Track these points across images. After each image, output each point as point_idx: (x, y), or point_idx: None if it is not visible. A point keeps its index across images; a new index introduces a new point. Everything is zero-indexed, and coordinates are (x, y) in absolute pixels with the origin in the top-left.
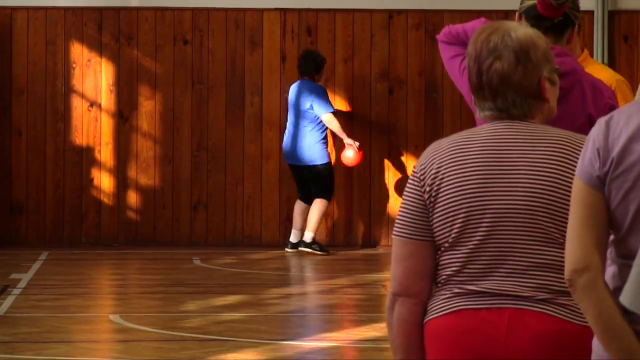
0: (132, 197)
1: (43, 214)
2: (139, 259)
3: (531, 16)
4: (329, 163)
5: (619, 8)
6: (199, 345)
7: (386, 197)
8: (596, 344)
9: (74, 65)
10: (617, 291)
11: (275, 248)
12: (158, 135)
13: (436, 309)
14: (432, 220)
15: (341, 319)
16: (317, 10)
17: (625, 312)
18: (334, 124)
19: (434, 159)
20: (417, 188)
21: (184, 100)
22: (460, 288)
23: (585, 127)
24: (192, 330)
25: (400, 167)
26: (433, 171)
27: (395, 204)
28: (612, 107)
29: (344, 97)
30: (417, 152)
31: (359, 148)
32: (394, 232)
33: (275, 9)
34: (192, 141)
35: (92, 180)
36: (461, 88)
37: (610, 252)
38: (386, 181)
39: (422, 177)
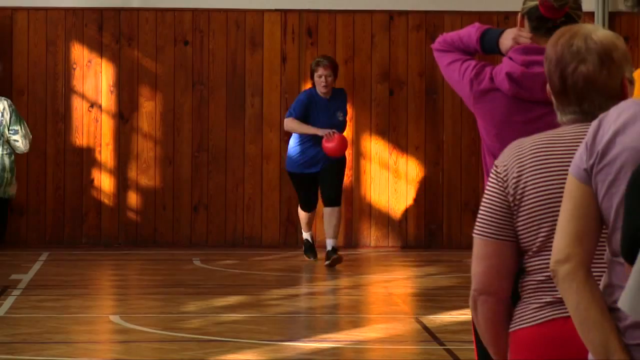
0: (133, 198)
1: (43, 215)
2: (140, 259)
3: (534, 18)
4: (290, 173)
5: (619, 9)
6: (199, 346)
7: (387, 199)
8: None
9: (74, 65)
10: (605, 289)
11: (275, 249)
12: (158, 136)
13: (527, 318)
14: (516, 223)
15: (342, 320)
16: (318, 11)
17: (610, 308)
18: (289, 126)
19: (516, 160)
20: (500, 189)
21: (184, 101)
22: (552, 296)
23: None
24: (192, 331)
25: (400, 168)
26: (515, 173)
27: (395, 205)
28: None
29: None
30: (417, 153)
31: (335, 135)
32: (475, 231)
33: (276, 10)
34: (193, 142)
35: (92, 180)
36: (461, 92)
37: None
38: (386, 182)
39: (504, 178)
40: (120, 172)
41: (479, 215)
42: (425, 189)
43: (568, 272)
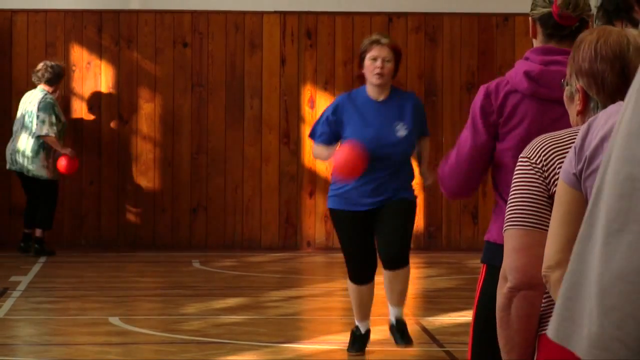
0: (132, 200)
1: None
2: (139, 261)
3: (549, 25)
4: (330, 211)
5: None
6: (199, 348)
7: None
8: None
9: (73, 67)
10: None
11: (274, 251)
12: (158, 138)
13: None
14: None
15: (341, 322)
16: (317, 13)
17: None
18: (316, 155)
19: (556, 150)
20: (539, 179)
21: (183, 103)
22: None
23: None
24: (191, 333)
25: None
26: (556, 165)
27: None
28: None
29: None
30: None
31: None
32: (511, 223)
33: (275, 12)
34: (192, 144)
35: (91, 182)
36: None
37: None
38: None
39: (544, 169)
40: (119, 174)
41: (513, 208)
42: (425, 191)
43: (559, 278)
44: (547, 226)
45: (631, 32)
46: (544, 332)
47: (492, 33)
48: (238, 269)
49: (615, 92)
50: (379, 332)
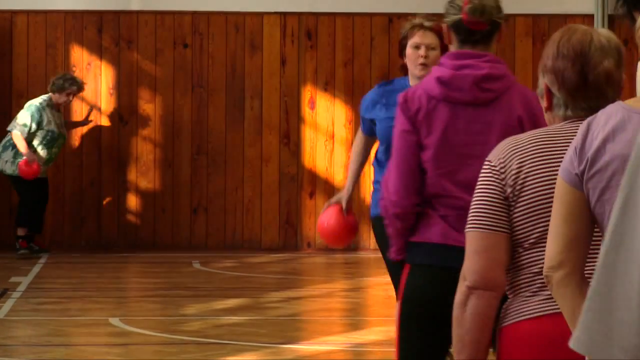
0: (132, 201)
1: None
2: (139, 262)
3: (461, 31)
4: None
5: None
6: (199, 348)
7: None
8: None
9: (74, 68)
10: None
11: (275, 251)
12: (158, 138)
13: (519, 313)
14: (513, 216)
15: (341, 323)
16: (317, 14)
17: None
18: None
19: (515, 153)
20: (498, 181)
21: (184, 104)
22: (547, 289)
23: (516, 129)
24: (192, 334)
25: None
26: (515, 166)
27: None
28: (538, 114)
29: (343, 100)
30: None
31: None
32: (470, 226)
33: (275, 13)
34: (192, 145)
35: (92, 183)
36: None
37: None
38: None
39: (502, 171)
40: (119, 175)
41: (473, 210)
42: None
43: (562, 278)
44: (504, 228)
45: (599, 31)
46: (504, 325)
47: None
48: (238, 270)
49: (575, 89)
50: (379, 333)
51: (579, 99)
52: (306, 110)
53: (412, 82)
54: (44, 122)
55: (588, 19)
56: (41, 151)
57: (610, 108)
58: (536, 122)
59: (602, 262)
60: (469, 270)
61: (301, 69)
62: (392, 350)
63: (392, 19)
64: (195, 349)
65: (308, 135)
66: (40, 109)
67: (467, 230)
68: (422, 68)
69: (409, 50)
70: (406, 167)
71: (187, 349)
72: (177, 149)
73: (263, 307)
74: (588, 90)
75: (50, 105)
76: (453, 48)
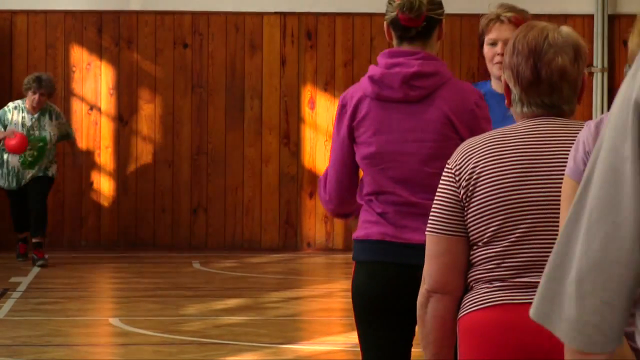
0: (132, 201)
1: None
2: (139, 262)
3: (398, 27)
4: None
5: (618, 12)
6: (199, 348)
7: None
8: None
9: (73, 68)
10: None
11: (274, 252)
12: (158, 138)
13: (474, 303)
14: (467, 217)
15: (341, 323)
16: (317, 14)
17: None
18: None
19: (470, 155)
20: (452, 184)
21: (183, 104)
22: (501, 282)
23: (446, 126)
24: (191, 334)
25: None
26: (470, 167)
27: None
28: (474, 112)
29: None
30: None
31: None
32: (428, 229)
33: (275, 13)
34: (192, 145)
35: (91, 184)
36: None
37: None
38: None
39: (457, 173)
40: (119, 175)
41: (431, 214)
42: None
43: None
44: (458, 232)
45: (560, 28)
46: (460, 316)
47: None
48: (238, 270)
49: (529, 85)
50: None
51: (533, 94)
52: (306, 111)
53: (493, 84)
54: (8, 124)
55: (588, 19)
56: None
57: None
58: (471, 119)
59: (562, 232)
60: (426, 273)
61: (301, 69)
62: None
63: None
64: (195, 349)
65: (308, 135)
66: (6, 111)
67: (426, 233)
68: (499, 67)
69: (485, 48)
70: (342, 168)
71: (186, 349)
72: (177, 149)
73: (263, 307)
74: (541, 85)
75: (22, 107)
76: (393, 45)
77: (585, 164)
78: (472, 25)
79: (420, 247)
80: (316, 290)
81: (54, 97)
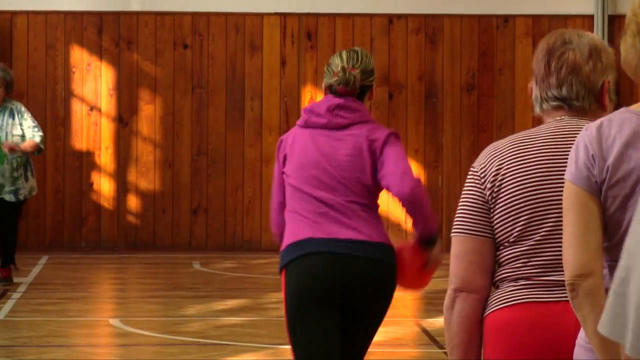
0: (132, 202)
1: (43, 218)
2: (139, 263)
3: (334, 92)
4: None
5: (618, 12)
6: (199, 349)
7: (386, 202)
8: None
9: (74, 69)
10: (605, 292)
11: (275, 252)
12: (158, 139)
13: (500, 301)
14: (493, 217)
15: None
16: (317, 15)
17: None
18: None
19: (495, 157)
20: (478, 186)
21: (184, 105)
22: (526, 280)
23: (362, 149)
24: (191, 335)
25: None
26: (494, 169)
27: (394, 208)
28: (387, 140)
29: None
30: (416, 157)
31: None
32: (453, 230)
33: (275, 14)
34: (192, 145)
35: (92, 184)
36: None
37: None
38: None
39: (482, 175)
40: (119, 176)
41: (457, 216)
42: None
43: (592, 287)
44: (485, 233)
45: (580, 32)
46: (486, 314)
47: (492, 34)
48: (238, 271)
49: (542, 80)
50: (379, 333)
51: (545, 88)
52: None
53: None
54: None
55: (588, 19)
56: None
57: (617, 115)
58: (383, 145)
59: (625, 246)
60: (453, 273)
61: (301, 69)
62: (393, 351)
63: (392, 20)
64: (195, 349)
65: None
66: None
67: (452, 235)
68: None
69: None
70: (280, 200)
71: (187, 349)
72: (177, 149)
73: (263, 308)
74: (550, 77)
75: None
76: None
77: (588, 169)
78: (472, 26)
79: (340, 241)
80: None
81: (55, 97)
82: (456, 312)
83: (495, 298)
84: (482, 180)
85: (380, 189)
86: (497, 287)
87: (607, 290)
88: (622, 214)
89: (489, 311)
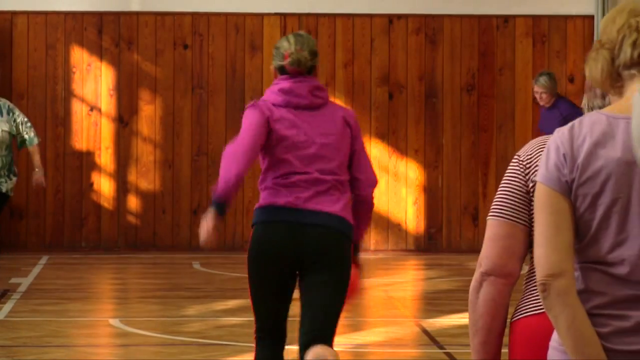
0: (132, 202)
1: (43, 219)
2: (139, 263)
3: (284, 73)
4: None
5: None
6: (199, 349)
7: (386, 202)
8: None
9: (74, 69)
10: (579, 294)
11: None
12: (158, 139)
13: (529, 308)
14: (532, 210)
15: (341, 324)
16: (317, 15)
17: (589, 314)
18: None
19: (539, 147)
20: (521, 175)
21: (184, 105)
22: None
23: (338, 125)
24: (192, 335)
25: (399, 171)
26: (538, 159)
27: (395, 208)
28: (356, 122)
29: (344, 101)
30: (416, 157)
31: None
32: (491, 213)
33: (276, 14)
34: (192, 146)
35: (92, 184)
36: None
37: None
38: (386, 186)
39: (527, 166)
40: (119, 176)
41: (495, 200)
42: (425, 193)
43: (563, 287)
44: (522, 220)
45: None
46: (515, 319)
47: (492, 34)
48: (238, 271)
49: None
50: (380, 334)
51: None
52: None
53: None
54: None
55: (588, 19)
56: None
57: (589, 116)
58: (355, 126)
59: None
60: (484, 256)
61: None
62: (393, 352)
63: (392, 20)
64: (196, 350)
65: None
66: None
67: (488, 218)
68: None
69: None
70: (252, 146)
71: (187, 350)
72: (177, 149)
73: None
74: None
75: None
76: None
77: (559, 170)
78: (472, 26)
79: (319, 212)
80: None
81: (55, 97)
82: (482, 295)
83: (528, 302)
84: (527, 170)
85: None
86: (529, 287)
87: (579, 292)
88: (592, 213)
89: (521, 315)
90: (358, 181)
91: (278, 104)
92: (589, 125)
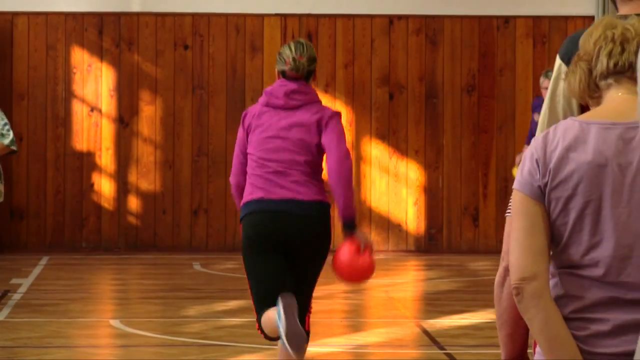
0: (133, 202)
1: (43, 219)
2: (139, 264)
3: (285, 76)
4: None
5: (619, 13)
6: (200, 350)
7: (386, 203)
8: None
9: (74, 70)
10: (557, 300)
11: None
12: (158, 140)
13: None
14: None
15: (342, 324)
16: (318, 16)
17: (566, 318)
18: None
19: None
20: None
21: (184, 106)
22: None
23: (312, 126)
24: (192, 336)
25: (400, 172)
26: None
27: (395, 209)
28: (330, 121)
29: (344, 102)
30: (417, 157)
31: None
32: (509, 211)
33: (276, 14)
34: (193, 146)
35: (92, 185)
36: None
37: (550, 264)
38: (387, 186)
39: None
40: (120, 177)
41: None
42: (425, 193)
43: (536, 290)
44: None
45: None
46: None
47: (492, 35)
48: (239, 271)
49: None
50: (380, 334)
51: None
52: None
53: None
54: None
55: (588, 20)
56: None
57: (565, 123)
58: (326, 125)
59: None
60: (506, 251)
61: None
62: (393, 352)
63: (392, 21)
64: (196, 350)
65: None
66: None
67: (507, 214)
68: None
69: None
70: (241, 160)
71: (187, 350)
72: (178, 150)
73: None
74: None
75: None
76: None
77: (532, 175)
78: (472, 27)
79: (282, 201)
80: (316, 291)
81: (55, 98)
82: (507, 289)
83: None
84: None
85: (323, 155)
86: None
87: (555, 299)
88: (565, 217)
89: None
90: (327, 154)
91: (262, 103)
92: (562, 131)
